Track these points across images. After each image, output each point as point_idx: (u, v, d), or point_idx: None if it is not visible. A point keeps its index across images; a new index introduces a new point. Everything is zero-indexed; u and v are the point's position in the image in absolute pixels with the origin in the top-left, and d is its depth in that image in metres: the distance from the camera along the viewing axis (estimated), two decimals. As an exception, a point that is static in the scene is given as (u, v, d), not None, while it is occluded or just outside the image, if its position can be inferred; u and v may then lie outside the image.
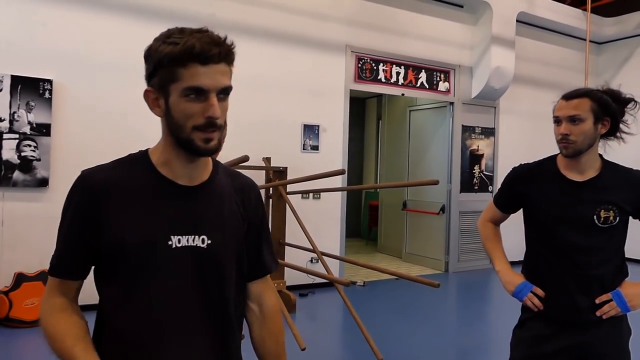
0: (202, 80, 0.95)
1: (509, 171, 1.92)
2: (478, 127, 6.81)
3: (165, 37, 0.97)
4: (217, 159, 1.51)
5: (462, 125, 6.68)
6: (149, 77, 1.01)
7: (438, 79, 6.47)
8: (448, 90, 6.56)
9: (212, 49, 0.95)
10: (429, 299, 5.19)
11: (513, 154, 6.46)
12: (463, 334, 4.36)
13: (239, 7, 5.05)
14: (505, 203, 1.93)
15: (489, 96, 6.70)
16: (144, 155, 1.08)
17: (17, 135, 4.05)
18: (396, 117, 7.94)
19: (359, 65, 5.83)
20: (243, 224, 1.13)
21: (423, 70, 6.33)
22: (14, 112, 4.04)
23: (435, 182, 2.75)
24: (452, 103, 6.61)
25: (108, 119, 4.40)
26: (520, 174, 1.86)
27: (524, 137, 7.09)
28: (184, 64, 0.94)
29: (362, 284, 5.81)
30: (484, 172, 6.87)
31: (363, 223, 9.35)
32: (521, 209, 1.89)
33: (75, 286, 1.06)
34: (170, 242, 1.01)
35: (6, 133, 4.01)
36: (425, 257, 6.95)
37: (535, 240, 1.82)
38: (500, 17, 6.40)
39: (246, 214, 1.15)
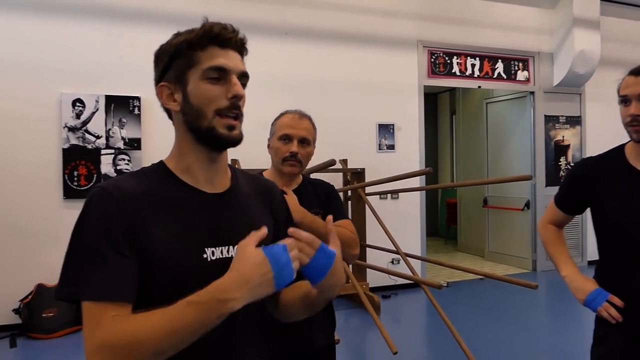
0: (221, 60, 0.93)
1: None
2: (562, 116, 6.42)
3: (176, 35, 0.98)
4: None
5: (545, 115, 6.33)
6: (163, 73, 0.98)
7: (516, 68, 6.18)
8: (527, 79, 6.24)
9: (229, 34, 0.95)
10: (518, 300, 4.95)
11: (603, 144, 5.99)
12: (560, 339, 4.02)
13: (308, 12, 5.10)
14: (568, 204, 1.70)
15: (573, 83, 6.30)
16: (160, 165, 1.00)
17: (112, 150, 4.35)
18: (472, 111, 7.68)
19: (432, 59, 5.70)
20: (272, 226, 1.06)
21: (500, 60, 6.06)
22: (109, 129, 4.34)
23: (528, 178, 2.62)
24: (532, 92, 6.29)
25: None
26: (582, 171, 1.64)
27: (615, 124, 6.50)
28: (202, 47, 0.93)
29: (445, 284, 5.67)
30: (571, 164, 6.47)
31: (441, 221, 9.12)
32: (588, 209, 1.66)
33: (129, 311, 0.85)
34: (205, 255, 0.92)
35: (104, 149, 4.32)
36: (510, 256, 6.65)
37: (609, 245, 1.59)
38: (582, -2, 6.01)
39: (273, 215, 1.09)
